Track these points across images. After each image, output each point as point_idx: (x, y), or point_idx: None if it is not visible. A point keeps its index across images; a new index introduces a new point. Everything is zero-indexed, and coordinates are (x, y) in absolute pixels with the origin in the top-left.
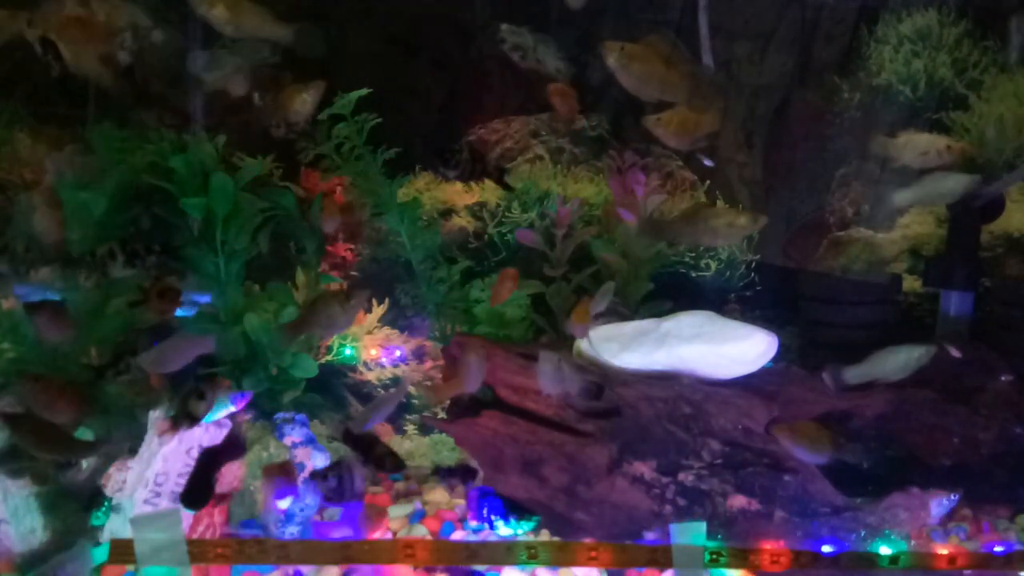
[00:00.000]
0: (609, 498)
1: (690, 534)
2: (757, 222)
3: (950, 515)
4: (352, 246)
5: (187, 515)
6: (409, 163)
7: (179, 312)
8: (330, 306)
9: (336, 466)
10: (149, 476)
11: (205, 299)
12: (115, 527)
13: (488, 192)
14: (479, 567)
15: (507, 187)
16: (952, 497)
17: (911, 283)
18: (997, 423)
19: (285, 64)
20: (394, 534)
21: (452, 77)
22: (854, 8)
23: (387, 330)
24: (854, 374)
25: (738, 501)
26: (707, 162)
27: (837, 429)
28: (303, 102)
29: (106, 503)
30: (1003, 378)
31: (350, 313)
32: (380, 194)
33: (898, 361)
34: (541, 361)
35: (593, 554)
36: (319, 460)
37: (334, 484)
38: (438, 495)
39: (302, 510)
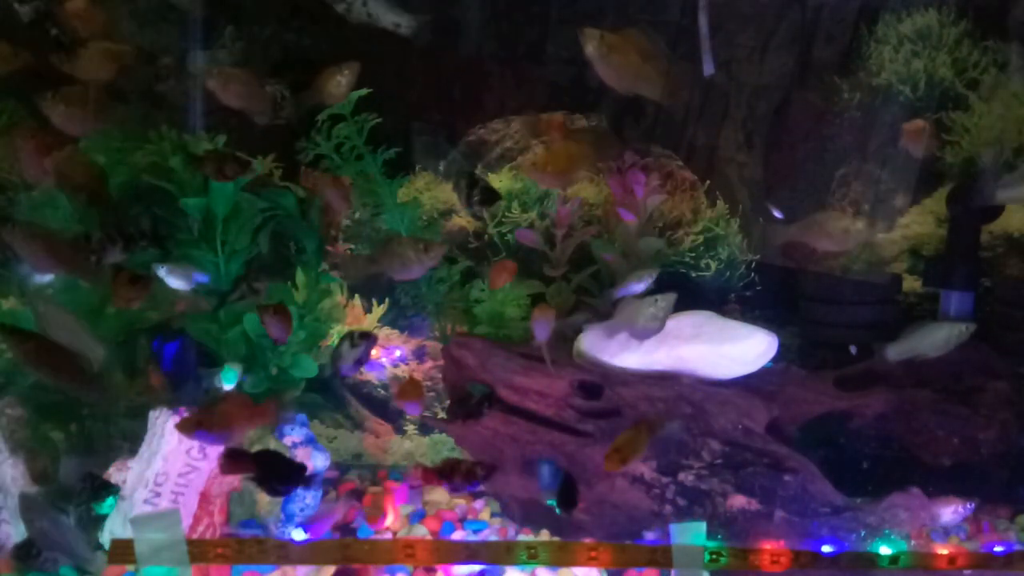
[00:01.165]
0: (609, 498)
1: (690, 534)
2: (874, 228)
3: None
4: (352, 246)
5: (187, 516)
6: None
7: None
8: (403, 247)
9: (352, 336)
10: (149, 476)
11: (205, 279)
12: (115, 527)
13: None
14: (479, 567)
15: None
16: (968, 505)
17: (911, 283)
18: (997, 423)
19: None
20: (394, 534)
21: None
22: (854, 8)
23: (387, 330)
24: (896, 351)
25: (738, 501)
26: (777, 213)
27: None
28: (338, 84)
29: (114, 492)
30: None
31: (426, 260)
32: (380, 194)
33: (939, 338)
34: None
35: (593, 554)
36: (319, 460)
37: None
38: (438, 495)
39: (302, 510)
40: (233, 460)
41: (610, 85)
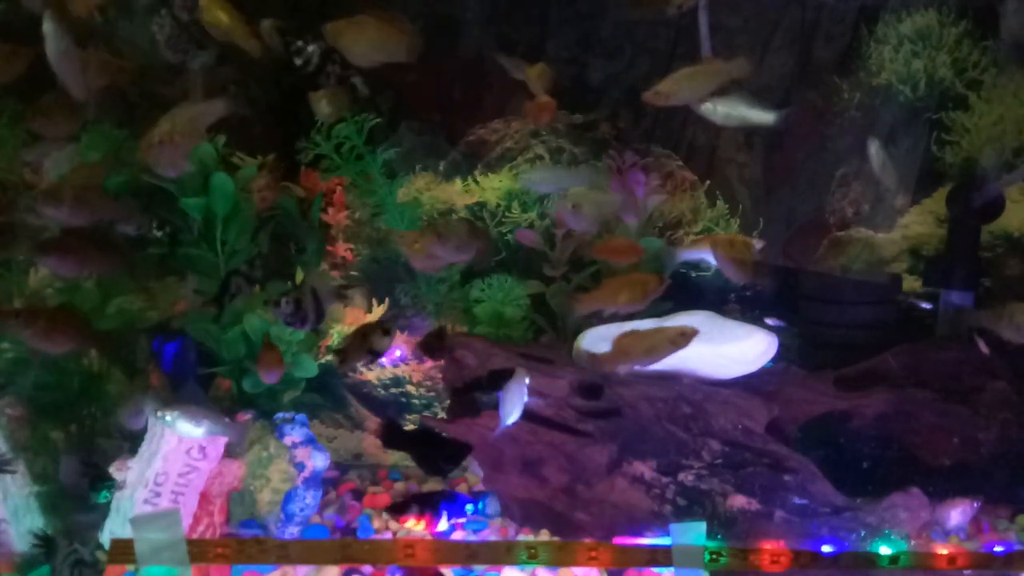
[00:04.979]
0: (609, 498)
1: (690, 534)
2: None
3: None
4: (352, 246)
5: (187, 515)
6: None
7: None
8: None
9: (294, 289)
10: (149, 476)
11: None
12: (115, 527)
13: (488, 192)
14: (479, 567)
15: None
16: (974, 504)
17: (911, 283)
18: (997, 423)
19: None
20: (394, 534)
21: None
22: (854, 8)
23: None
24: None
25: (738, 501)
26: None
27: None
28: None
29: (111, 484)
30: None
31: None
32: (380, 194)
33: None
34: None
35: (593, 554)
36: (319, 460)
37: (290, 310)
38: None
39: (302, 510)
40: (391, 437)
41: (357, 63)
